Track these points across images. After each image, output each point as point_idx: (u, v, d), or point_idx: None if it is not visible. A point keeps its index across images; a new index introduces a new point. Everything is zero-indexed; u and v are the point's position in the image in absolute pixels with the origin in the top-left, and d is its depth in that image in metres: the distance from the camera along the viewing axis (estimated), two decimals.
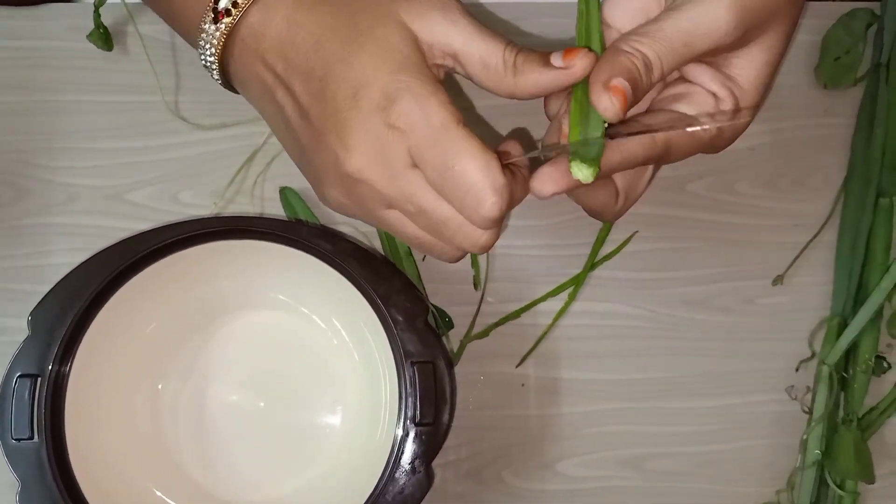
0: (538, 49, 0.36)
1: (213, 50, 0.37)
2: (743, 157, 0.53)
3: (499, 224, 0.36)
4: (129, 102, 0.53)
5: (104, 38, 0.51)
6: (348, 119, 0.35)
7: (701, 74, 0.38)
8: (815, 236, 0.53)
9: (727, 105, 0.38)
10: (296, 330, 0.51)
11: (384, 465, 0.44)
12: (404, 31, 0.35)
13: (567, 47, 0.36)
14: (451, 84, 0.53)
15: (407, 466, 0.44)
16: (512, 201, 0.36)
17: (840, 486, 0.49)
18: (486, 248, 0.37)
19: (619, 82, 0.34)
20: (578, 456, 0.52)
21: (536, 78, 0.35)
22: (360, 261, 0.46)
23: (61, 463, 0.44)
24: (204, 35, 0.37)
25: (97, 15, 0.50)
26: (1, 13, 0.53)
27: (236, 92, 0.41)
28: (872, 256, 0.51)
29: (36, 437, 0.44)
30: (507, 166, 0.36)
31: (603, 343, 0.52)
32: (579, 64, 0.35)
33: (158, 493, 0.48)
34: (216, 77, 0.39)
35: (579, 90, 0.36)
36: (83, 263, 0.46)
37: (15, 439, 0.44)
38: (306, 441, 0.50)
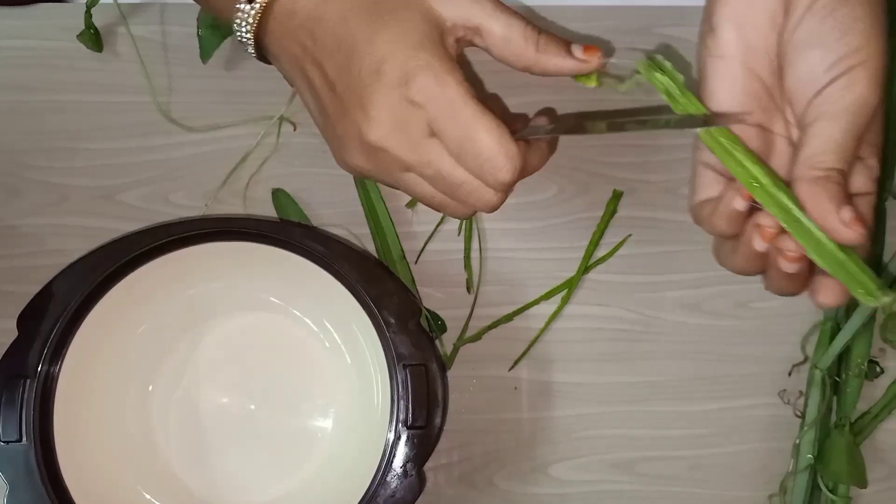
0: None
1: (248, 27, 0.40)
2: None
3: (511, 187, 0.40)
4: (121, 103, 0.53)
5: (94, 39, 0.51)
6: (371, 93, 0.38)
7: None
8: None
9: (873, 160, 0.39)
10: (287, 332, 0.50)
11: (376, 469, 0.44)
12: (428, 13, 0.39)
13: (586, 45, 0.40)
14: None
15: (399, 470, 0.44)
16: (526, 169, 0.40)
17: (832, 491, 0.49)
18: (496, 208, 0.41)
19: (850, 212, 0.35)
20: (571, 459, 0.52)
21: (559, 62, 0.40)
22: (353, 263, 0.46)
23: (50, 466, 0.44)
24: (240, 14, 0.40)
25: (88, 16, 0.49)
26: None
27: (270, 63, 0.43)
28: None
29: (24, 439, 0.43)
30: (520, 138, 0.40)
31: (596, 346, 0.52)
32: (594, 62, 0.40)
33: (148, 496, 0.48)
34: (251, 52, 0.42)
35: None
36: (73, 264, 0.46)
37: (3, 441, 0.43)
38: (297, 444, 0.50)
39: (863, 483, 0.49)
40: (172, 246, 0.46)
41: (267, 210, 0.52)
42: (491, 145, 0.38)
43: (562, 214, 0.53)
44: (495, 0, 0.40)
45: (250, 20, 0.40)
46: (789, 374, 0.52)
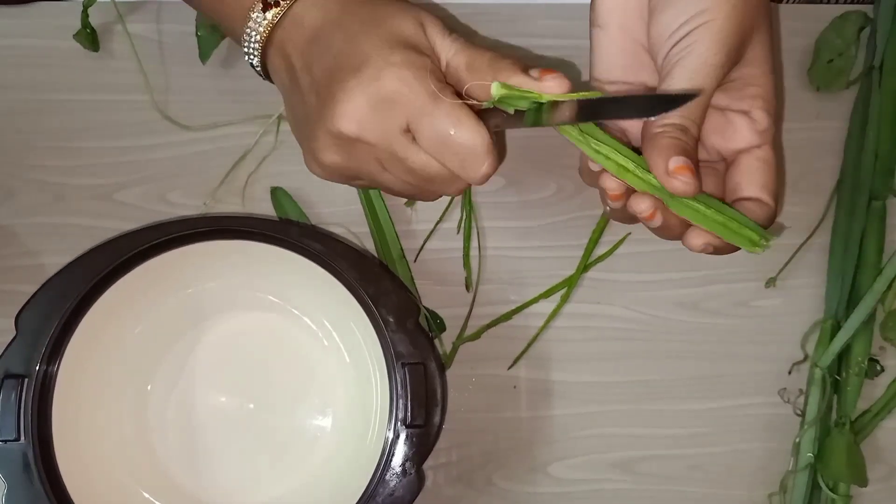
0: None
1: (258, 37, 0.41)
2: None
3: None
4: (118, 102, 0.52)
5: (91, 38, 0.51)
6: (351, 88, 0.38)
7: (722, 101, 0.41)
8: (807, 239, 0.53)
9: (758, 112, 0.40)
10: (286, 331, 0.50)
11: (375, 468, 0.44)
12: (417, 24, 0.40)
13: (543, 69, 0.39)
14: None
15: (398, 468, 0.44)
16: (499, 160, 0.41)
17: (832, 490, 0.49)
18: (462, 192, 0.43)
19: (677, 161, 0.37)
20: (570, 458, 0.51)
21: (519, 81, 0.39)
22: (351, 261, 0.46)
23: (48, 464, 0.44)
24: (252, 24, 0.40)
25: (85, 15, 0.49)
26: None
27: (270, 80, 0.43)
28: (865, 259, 0.51)
29: (23, 438, 0.43)
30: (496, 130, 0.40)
31: (595, 345, 0.52)
32: (550, 82, 0.38)
33: (146, 495, 0.48)
34: (256, 63, 0.42)
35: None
36: (71, 264, 0.46)
37: (1, 440, 0.43)
38: (296, 443, 0.50)
39: (863, 482, 0.49)
40: (170, 245, 0.46)
41: (265, 209, 0.52)
42: (472, 140, 0.38)
43: (561, 213, 0.53)
44: (461, 38, 0.41)
45: (261, 29, 0.40)
46: (789, 373, 0.52)
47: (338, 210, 0.52)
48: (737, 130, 0.41)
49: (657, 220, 0.39)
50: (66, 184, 0.52)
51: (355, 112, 0.38)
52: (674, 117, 0.38)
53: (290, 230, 0.47)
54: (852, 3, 0.58)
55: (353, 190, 0.52)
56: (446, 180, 0.40)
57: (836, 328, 0.51)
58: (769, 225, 0.40)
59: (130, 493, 0.48)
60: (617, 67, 0.42)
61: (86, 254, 0.46)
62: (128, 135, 0.52)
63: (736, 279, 0.53)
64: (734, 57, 0.38)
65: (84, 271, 0.45)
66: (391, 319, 0.45)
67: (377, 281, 0.46)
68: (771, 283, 0.53)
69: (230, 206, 0.52)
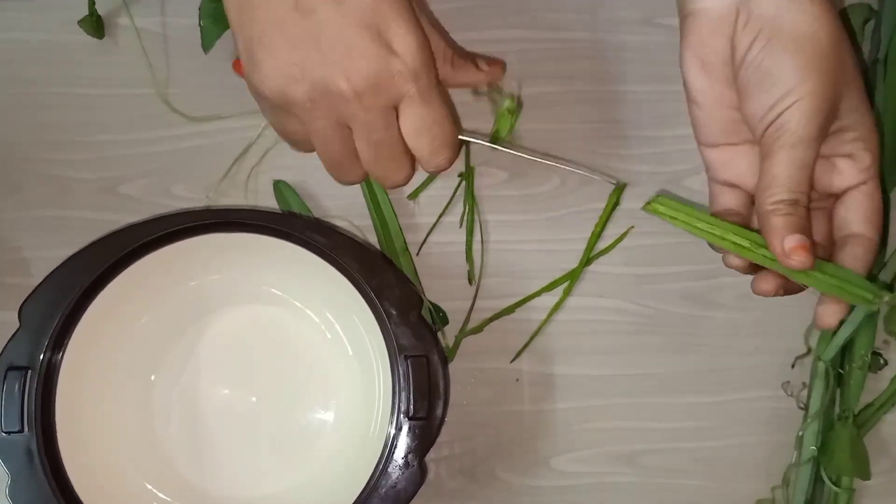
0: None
1: None
2: None
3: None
4: (121, 95, 0.52)
5: (96, 25, 0.51)
6: (360, 41, 0.38)
7: (825, 150, 0.42)
8: None
9: (861, 153, 0.42)
10: (289, 324, 0.50)
11: (377, 459, 0.44)
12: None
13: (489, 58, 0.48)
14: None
15: (400, 461, 0.44)
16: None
17: (836, 483, 0.49)
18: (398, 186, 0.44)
19: (792, 241, 0.40)
20: (572, 452, 0.51)
21: (470, 74, 0.46)
22: (354, 254, 0.46)
23: (52, 456, 0.44)
24: None
25: (91, 1, 0.49)
26: None
27: None
28: None
29: (26, 429, 0.43)
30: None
31: (598, 338, 0.52)
32: (497, 72, 0.48)
33: (149, 487, 0.48)
34: None
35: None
36: (74, 256, 0.46)
37: (5, 432, 0.43)
38: (299, 435, 0.50)
39: (866, 475, 0.49)
40: (174, 237, 0.46)
41: (269, 202, 0.52)
42: (453, 135, 0.41)
43: (564, 206, 0.53)
44: (427, 20, 0.42)
45: None
46: (792, 366, 0.52)
47: (341, 203, 0.52)
48: (841, 172, 0.43)
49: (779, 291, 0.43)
50: (70, 177, 0.52)
51: (360, 73, 0.38)
52: (783, 192, 0.40)
53: (293, 223, 0.47)
54: None
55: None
56: (400, 165, 0.42)
57: (840, 322, 0.50)
58: (874, 257, 0.43)
59: (134, 484, 0.48)
60: (718, 133, 0.44)
61: (89, 246, 0.46)
62: (132, 128, 0.52)
63: (738, 273, 0.53)
64: (828, 123, 0.40)
65: (87, 264, 0.45)
66: (394, 312, 0.45)
67: (380, 274, 0.46)
68: None
69: (233, 198, 0.52)
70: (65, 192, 0.52)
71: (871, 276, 0.47)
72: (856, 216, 0.42)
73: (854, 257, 0.42)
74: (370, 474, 0.44)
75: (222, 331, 0.50)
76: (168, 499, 0.48)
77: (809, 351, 0.52)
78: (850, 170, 0.42)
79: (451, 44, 0.45)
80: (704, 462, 0.52)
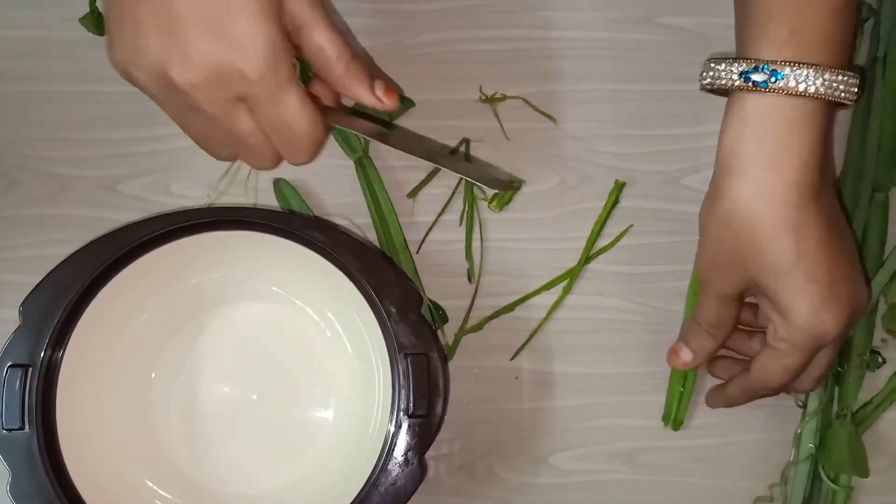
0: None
1: None
2: None
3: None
4: (121, 93, 0.52)
5: (97, 22, 0.51)
6: (196, 35, 0.36)
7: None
8: None
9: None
10: (289, 322, 0.50)
11: (377, 457, 0.44)
12: None
13: (388, 85, 0.42)
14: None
15: (400, 458, 0.44)
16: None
17: (834, 481, 0.49)
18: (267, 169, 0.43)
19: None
20: (571, 449, 0.52)
21: (359, 90, 0.41)
22: (354, 252, 0.46)
23: (52, 453, 0.44)
24: None
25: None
26: None
27: None
28: (868, 251, 0.51)
29: (27, 427, 0.43)
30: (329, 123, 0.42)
31: (597, 337, 0.52)
32: (388, 103, 0.42)
33: (150, 484, 0.48)
34: None
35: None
36: (74, 254, 0.46)
37: (5, 429, 0.43)
38: (299, 433, 0.50)
39: (864, 473, 0.49)
40: (173, 235, 0.46)
41: (268, 200, 0.52)
42: (310, 135, 0.40)
43: (563, 205, 0.53)
44: (327, 13, 0.40)
45: None
46: None
47: (340, 201, 0.52)
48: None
49: None
50: (69, 175, 0.52)
51: (197, 65, 0.36)
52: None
53: (293, 221, 0.47)
54: None
55: (356, 181, 0.52)
56: (265, 157, 0.41)
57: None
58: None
59: (134, 481, 0.48)
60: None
61: (90, 244, 0.46)
62: (132, 126, 0.52)
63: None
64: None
65: (88, 261, 0.45)
66: (394, 310, 0.45)
67: (380, 272, 0.46)
68: None
69: (233, 197, 0.52)
70: (64, 190, 0.52)
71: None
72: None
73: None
74: (370, 471, 0.44)
75: (222, 328, 0.50)
76: (168, 495, 0.48)
77: None
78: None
79: (351, 49, 0.41)
80: (702, 460, 0.52)
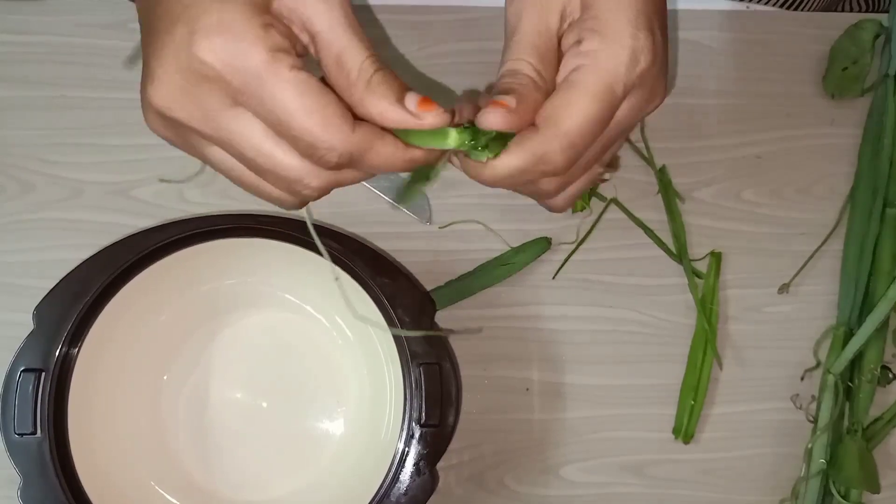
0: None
1: None
2: (750, 165, 0.54)
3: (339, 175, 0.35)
4: (135, 99, 0.52)
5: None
6: (162, 48, 0.31)
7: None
8: (821, 245, 0.53)
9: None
10: (301, 329, 0.50)
11: (388, 466, 0.44)
12: None
13: (425, 96, 0.33)
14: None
15: (411, 468, 0.44)
16: (370, 156, 0.33)
17: (844, 496, 0.49)
18: (309, 200, 0.36)
19: (498, 99, 0.34)
20: (581, 461, 0.51)
21: (385, 108, 0.32)
22: (367, 260, 0.46)
23: (63, 458, 0.44)
24: None
25: None
26: (7, 6, 0.53)
27: None
28: (879, 266, 0.51)
29: (39, 431, 0.43)
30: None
31: (607, 348, 0.52)
32: (430, 119, 0.33)
33: (160, 490, 0.48)
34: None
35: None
36: (89, 259, 0.46)
37: (17, 434, 0.43)
38: (309, 440, 0.50)
39: (875, 489, 0.49)
40: (187, 242, 0.46)
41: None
42: (313, 128, 0.31)
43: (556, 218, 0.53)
44: (349, 12, 0.33)
45: None
46: (801, 379, 0.52)
47: (353, 210, 0.52)
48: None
49: None
50: (84, 180, 0.52)
51: (165, 82, 0.32)
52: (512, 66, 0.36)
53: (306, 228, 0.47)
54: (867, 11, 0.59)
55: (366, 190, 0.52)
56: (285, 175, 0.33)
57: (849, 335, 0.51)
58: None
59: (144, 487, 0.48)
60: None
61: (104, 249, 0.46)
62: (146, 132, 0.52)
63: (749, 285, 0.53)
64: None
65: (102, 267, 0.45)
66: (407, 319, 0.45)
67: (393, 280, 0.46)
68: (784, 289, 0.53)
69: (246, 204, 0.52)
70: (78, 195, 0.52)
71: None
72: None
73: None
74: (381, 481, 0.44)
75: (235, 335, 0.50)
76: (177, 501, 0.48)
77: (819, 364, 0.52)
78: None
79: (375, 57, 0.33)
80: (713, 473, 0.52)
